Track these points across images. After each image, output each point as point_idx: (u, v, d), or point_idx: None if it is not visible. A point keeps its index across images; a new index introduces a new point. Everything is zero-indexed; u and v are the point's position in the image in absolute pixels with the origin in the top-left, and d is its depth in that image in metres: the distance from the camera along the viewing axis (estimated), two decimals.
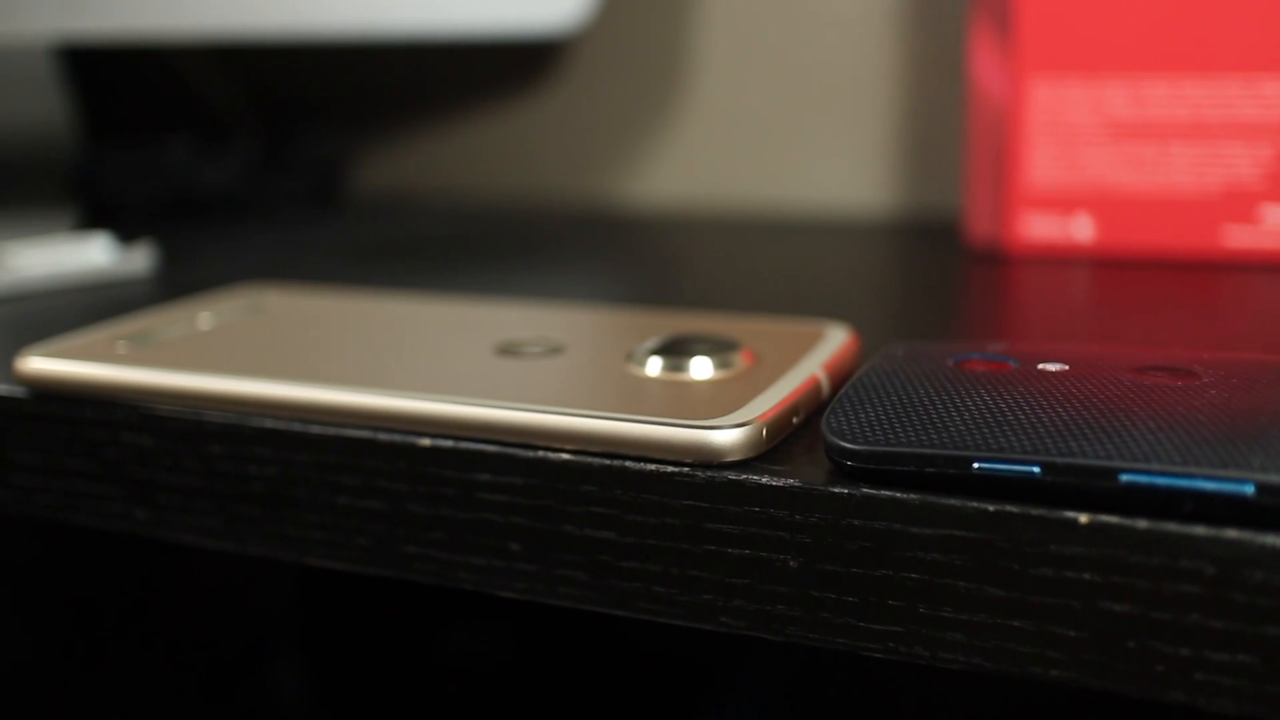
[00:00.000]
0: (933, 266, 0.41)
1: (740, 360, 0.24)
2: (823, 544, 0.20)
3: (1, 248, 0.40)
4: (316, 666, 0.51)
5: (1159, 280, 0.37)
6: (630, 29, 0.56)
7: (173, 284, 0.40)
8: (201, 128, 0.61)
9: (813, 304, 0.36)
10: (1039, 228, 0.40)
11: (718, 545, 0.21)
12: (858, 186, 0.53)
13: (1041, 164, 0.40)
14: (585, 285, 0.41)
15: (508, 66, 0.60)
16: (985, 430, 0.19)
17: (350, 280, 0.39)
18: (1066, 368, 0.21)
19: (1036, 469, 0.18)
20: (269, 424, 0.24)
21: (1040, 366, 0.22)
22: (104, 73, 0.62)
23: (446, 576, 0.23)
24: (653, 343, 0.25)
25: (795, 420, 0.22)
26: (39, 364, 0.26)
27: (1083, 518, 0.18)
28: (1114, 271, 0.38)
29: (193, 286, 0.39)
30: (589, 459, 0.21)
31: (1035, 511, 0.18)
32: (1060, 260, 0.40)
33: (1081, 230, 0.40)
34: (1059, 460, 0.18)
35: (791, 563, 0.20)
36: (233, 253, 0.47)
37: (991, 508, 0.19)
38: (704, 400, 0.22)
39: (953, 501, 0.19)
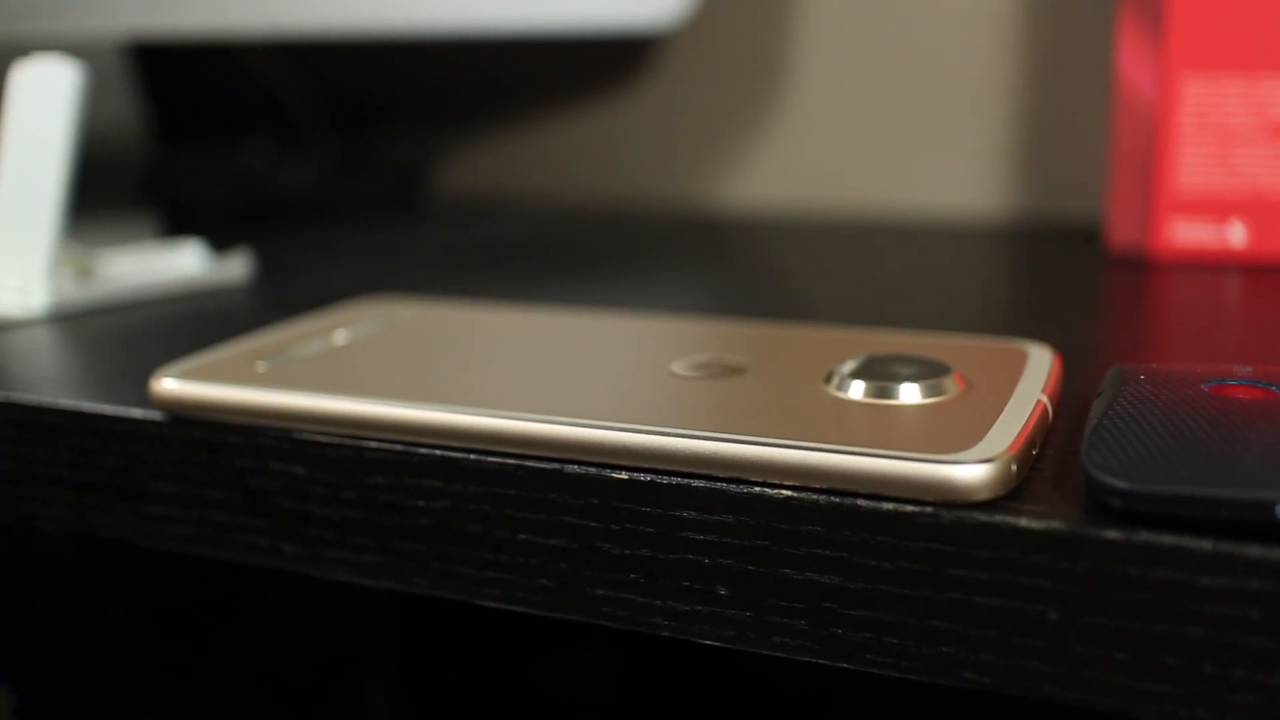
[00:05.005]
0: (1076, 273, 0.39)
1: (953, 384, 0.22)
2: (1090, 594, 0.18)
3: (94, 255, 0.39)
4: (407, 687, 0.49)
5: None
6: (727, 24, 0.54)
7: (274, 294, 0.38)
8: (276, 129, 0.60)
9: (966, 315, 0.34)
10: (1188, 233, 0.38)
11: (963, 593, 0.19)
12: (969, 189, 0.51)
13: (1192, 166, 0.37)
14: (708, 295, 0.39)
15: (596, 64, 0.58)
16: None
17: (458, 288, 0.37)
18: None
19: None
20: (439, 453, 0.22)
21: None
22: (175, 73, 0.60)
23: (641, 622, 0.21)
24: (852, 364, 0.23)
25: (1033, 453, 0.20)
26: (174, 386, 0.24)
27: None
28: (1271, 279, 0.36)
29: (296, 297, 0.37)
30: (813, 496, 0.19)
31: None
32: (1210, 267, 0.37)
33: (1234, 235, 0.37)
34: None
35: (1051, 614, 0.18)
36: (325, 260, 0.45)
37: None
38: (931, 431, 0.20)
39: (1253, 550, 0.17)
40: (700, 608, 0.21)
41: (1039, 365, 0.23)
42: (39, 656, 0.41)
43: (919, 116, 0.52)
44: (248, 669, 0.46)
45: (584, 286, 0.39)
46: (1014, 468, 0.19)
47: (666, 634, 0.21)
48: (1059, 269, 0.40)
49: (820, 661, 0.20)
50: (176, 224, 0.50)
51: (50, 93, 0.35)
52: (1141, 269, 0.38)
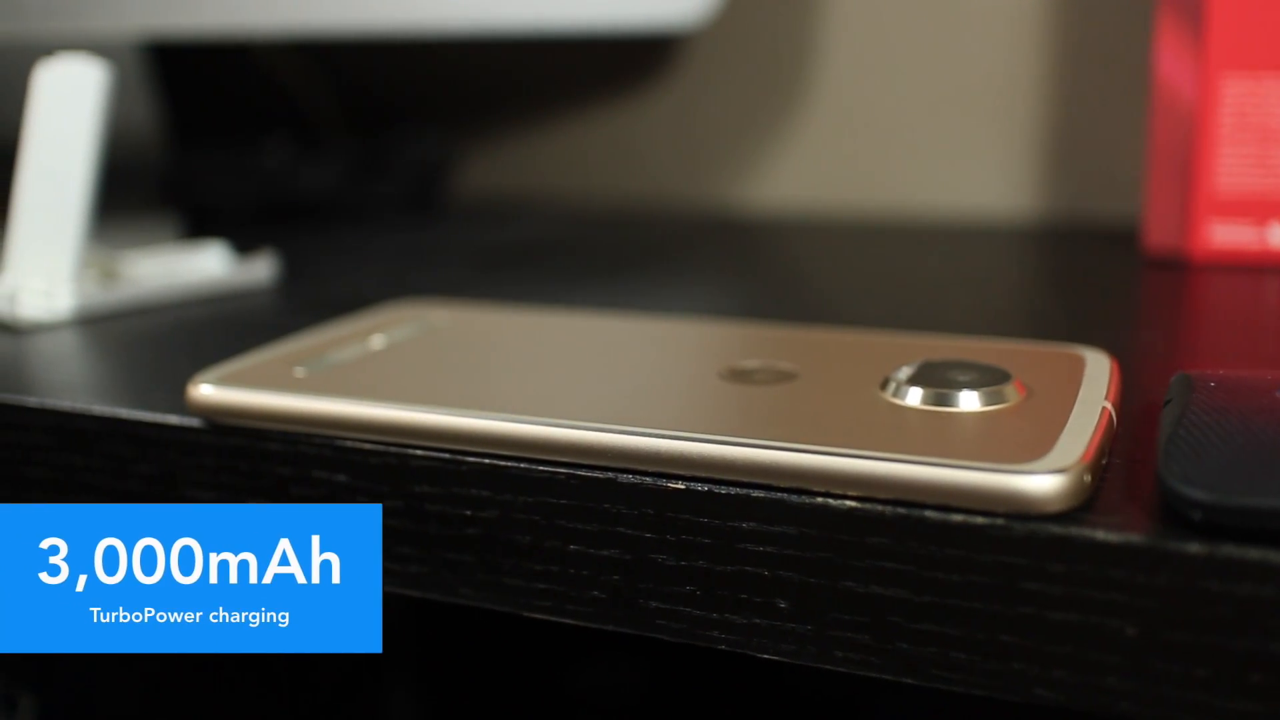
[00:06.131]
0: (1114, 275, 0.38)
1: (1014, 392, 0.21)
2: (1170, 609, 0.17)
3: (117, 257, 0.38)
4: (431, 694, 0.48)
5: None
6: (752, 22, 0.54)
7: (300, 297, 0.38)
8: (295, 130, 0.59)
9: (1005, 319, 0.34)
10: (1227, 234, 0.37)
11: (1036, 608, 0.18)
12: (998, 190, 0.51)
13: (1231, 167, 0.37)
14: (740, 298, 0.39)
15: (617, 63, 0.58)
16: None
17: (488, 290, 0.37)
18: None
19: None
20: (487, 462, 0.21)
21: None
22: (193, 73, 0.60)
23: (696, 635, 0.21)
24: (909, 371, 0.22)
25: (1103, 463, 0.20)
26: (212, 392, 0.24)
27: None
28: None
29: (323, 300, 0.37)
30: (878, 507, 0.19)
31: None
32: (1249, 268, 0.37)
33: (1275, 237, 0.37)
34: None
35: (1129, 630, 0.18)
36: (348, 261, 0.44)
37: None
38: (996, 440, 0.19)
39: None
40: (759, 621, 0.20)
41: (1098, 371, 0.23)
42: (62, 661, 0.40)
43: (947, 116, 0.51)
44: (270, 674, 0.46)
45: (613, 289, 0.38)
46: (1087, 478, 0.18)
47: (723, 648, 0.20)
48: (1096, 271, 0.40)
49: (883, 676, 0.19)
50: (196, 225, 0.49)
51: (76, 93, 0.34)
52: (1180, 271, 0.37)
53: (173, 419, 0.24)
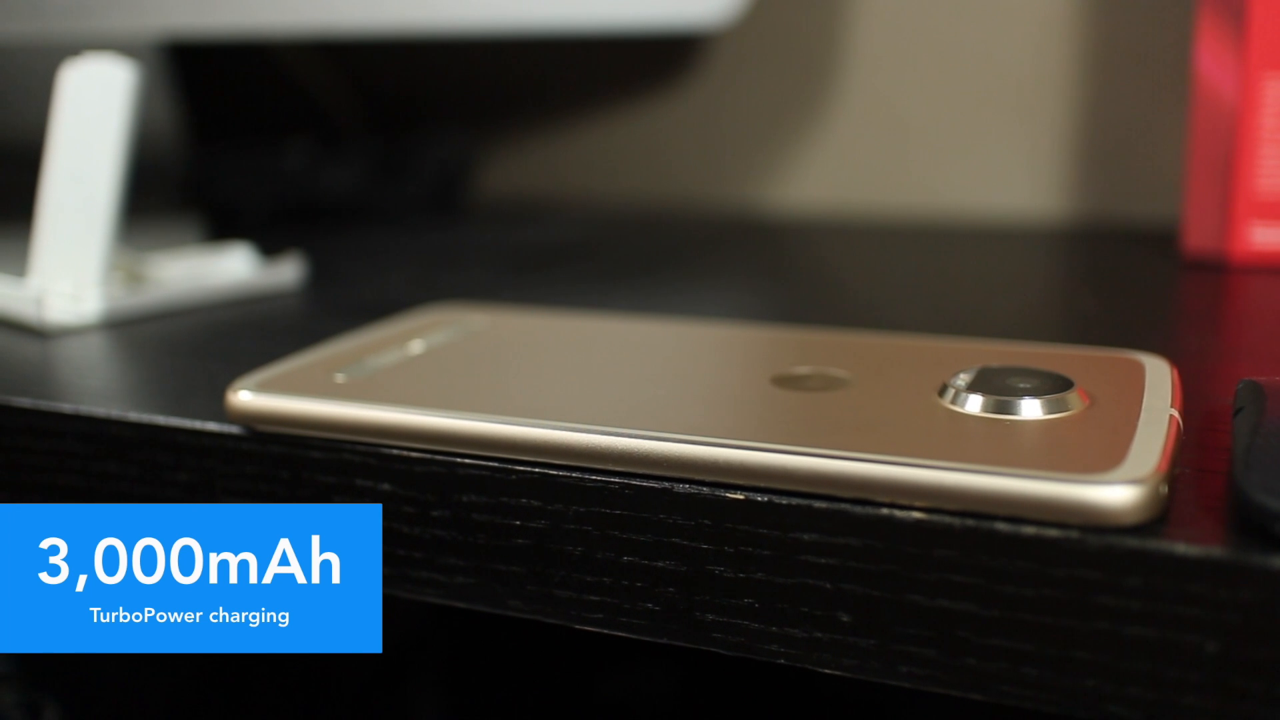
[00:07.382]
0: (1153, 278, 0.38)
1: (1078, 399, 0.21)
2: (1252, 625, 0.17)
3: (143, 260, 0.38)
4: (457, 700, 0.48)
5: None
6: (777, 21, 0.53)
7: (329, 300, 0.37)
8: (315, 130, 0.59)
9: (1048, 322, 0.33)
10: (1268, 236, 0.37)
11: (1111, 623, 0.18)
12: (1027, 191, 0.50)
13: (1272, 168, 0.36)
14: (774, 301, 0.38)
15: (641, 63, 0.57)
16: None
17: (518, 293, 0.36)
18: None
19: None
20: (537, 471, 0.21)
21: None
22: (212, 74, 0.59)
23: (754, 649, 0.20)
24: (967, 377, 0.22)
25: (1176, 473, 0.19)
26: (251, 398, 0.23)
27: None
28: None
29: (352, 303, 0.36)
30: (946, 519, 0.18)
31: None
32: None
33: None
34: None
35: (1209, 646, 0.17)
36: (374, 263, 0.44)
37: None
38: (1065, 449, 0.19)
39: None
40: (820, 635, 0.19)
41: (1159, 377, 0.22)
42: (85, 667, 0.40)
43: (977, 115, 0.50)
44: (294, 679, 0.45)
45: (644, 291, 0.38)
46: (1163, 489, 0.18)
47: (782, 661, 0.20)
48: (1134, 273, 0.39)
49: (950, 693, 0.19)
50: (218, 227, 0.49)
51: (102, 93, 0.34)
52: (1220, 273, 0.37)
53: (212, 426, 0.24)
